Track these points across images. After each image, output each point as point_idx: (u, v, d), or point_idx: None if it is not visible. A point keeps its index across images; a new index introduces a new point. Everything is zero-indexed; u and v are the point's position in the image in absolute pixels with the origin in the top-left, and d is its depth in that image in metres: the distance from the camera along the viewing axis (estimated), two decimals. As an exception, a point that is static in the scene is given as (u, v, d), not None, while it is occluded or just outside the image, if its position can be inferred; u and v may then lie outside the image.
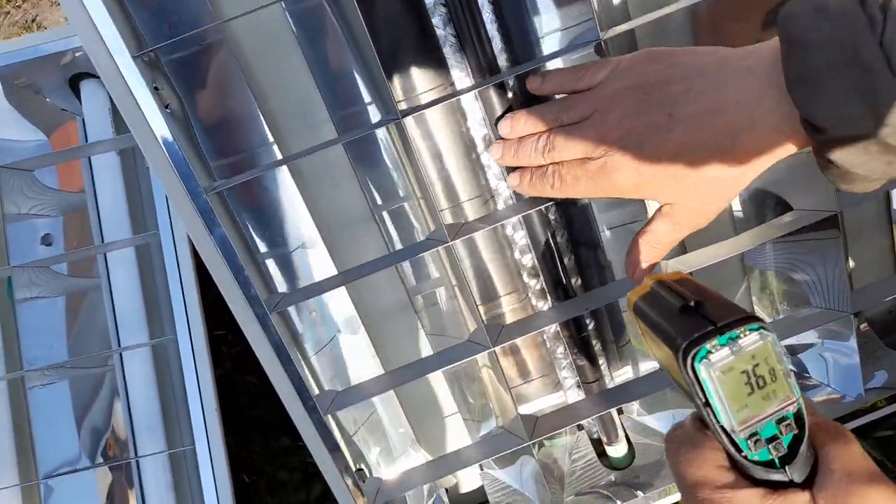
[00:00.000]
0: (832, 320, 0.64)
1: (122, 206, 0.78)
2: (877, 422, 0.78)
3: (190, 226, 0.51)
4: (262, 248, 0.61)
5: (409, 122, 0.51)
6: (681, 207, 0.42)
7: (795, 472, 0.31)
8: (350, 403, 0.59)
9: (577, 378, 0.69)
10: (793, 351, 0.73)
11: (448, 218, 0.62)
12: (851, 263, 0.70)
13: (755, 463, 0.31)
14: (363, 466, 0.64)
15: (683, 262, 0.61)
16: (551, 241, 0.63)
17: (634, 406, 0.75)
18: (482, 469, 0.74)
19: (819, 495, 0.31)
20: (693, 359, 0.31)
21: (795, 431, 0.31)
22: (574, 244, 0.65)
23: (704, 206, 0.42)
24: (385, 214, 0.63)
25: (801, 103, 0.34)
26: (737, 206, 0.66)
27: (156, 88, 0.49)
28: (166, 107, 0.49)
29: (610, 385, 0.70)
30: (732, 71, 0.38)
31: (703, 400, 0.31)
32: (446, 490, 0.75)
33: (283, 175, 0.59)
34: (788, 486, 0.31)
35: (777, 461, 0.31)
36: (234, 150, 0.57)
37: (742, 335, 0.31)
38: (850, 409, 0.68)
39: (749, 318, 0.32)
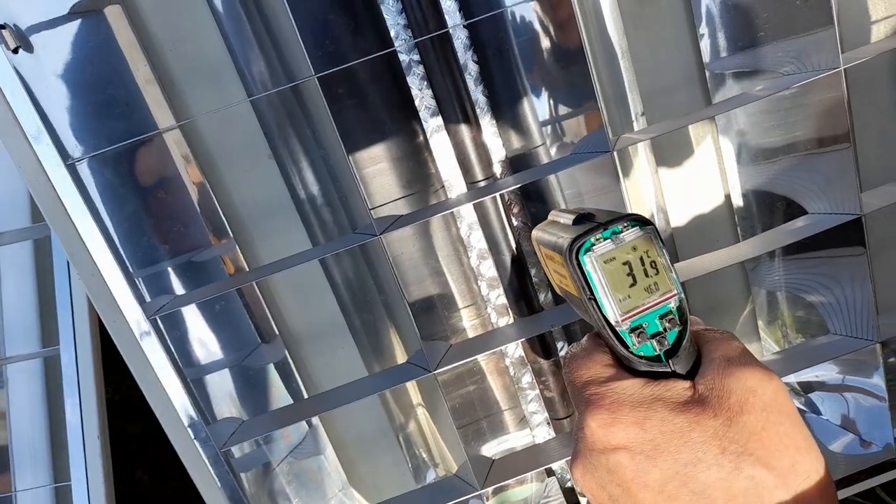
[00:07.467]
0: (853, 350, 0.52)
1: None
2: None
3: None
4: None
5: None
6: None
7: (678, 365, 0.32)
8: (254, 435, 0.47)
9: (547, 413, 0.58)
10: (807, 388, 0.61)
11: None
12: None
13: (640, 358, 0.32)
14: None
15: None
16: (514, 244, 0.52)
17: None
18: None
19: (699, 382, 0.31)
20: (578, 252, 0.32)
21: (679, 327, 0.32)
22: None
23: None
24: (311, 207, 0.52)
25: None
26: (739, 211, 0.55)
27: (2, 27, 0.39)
28: (14, 50, 0.39)
29: (585, 423, 0.58)
30: None
31: (589, 294, 0.32)
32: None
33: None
34: (671, 376, 0.31)
35: (662, 356, 0.32)
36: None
37: (624, 229, 0.32)
38: (877, 459, 0.56)
39: (632, 216, 0.32)
